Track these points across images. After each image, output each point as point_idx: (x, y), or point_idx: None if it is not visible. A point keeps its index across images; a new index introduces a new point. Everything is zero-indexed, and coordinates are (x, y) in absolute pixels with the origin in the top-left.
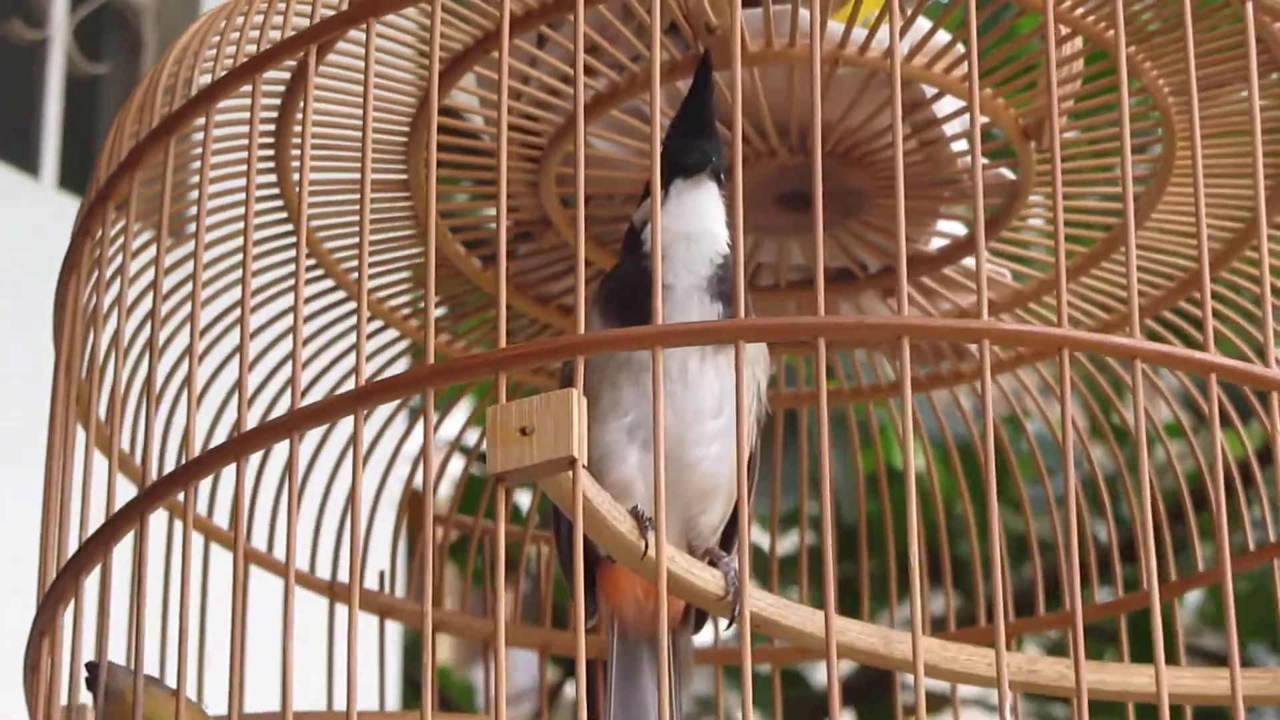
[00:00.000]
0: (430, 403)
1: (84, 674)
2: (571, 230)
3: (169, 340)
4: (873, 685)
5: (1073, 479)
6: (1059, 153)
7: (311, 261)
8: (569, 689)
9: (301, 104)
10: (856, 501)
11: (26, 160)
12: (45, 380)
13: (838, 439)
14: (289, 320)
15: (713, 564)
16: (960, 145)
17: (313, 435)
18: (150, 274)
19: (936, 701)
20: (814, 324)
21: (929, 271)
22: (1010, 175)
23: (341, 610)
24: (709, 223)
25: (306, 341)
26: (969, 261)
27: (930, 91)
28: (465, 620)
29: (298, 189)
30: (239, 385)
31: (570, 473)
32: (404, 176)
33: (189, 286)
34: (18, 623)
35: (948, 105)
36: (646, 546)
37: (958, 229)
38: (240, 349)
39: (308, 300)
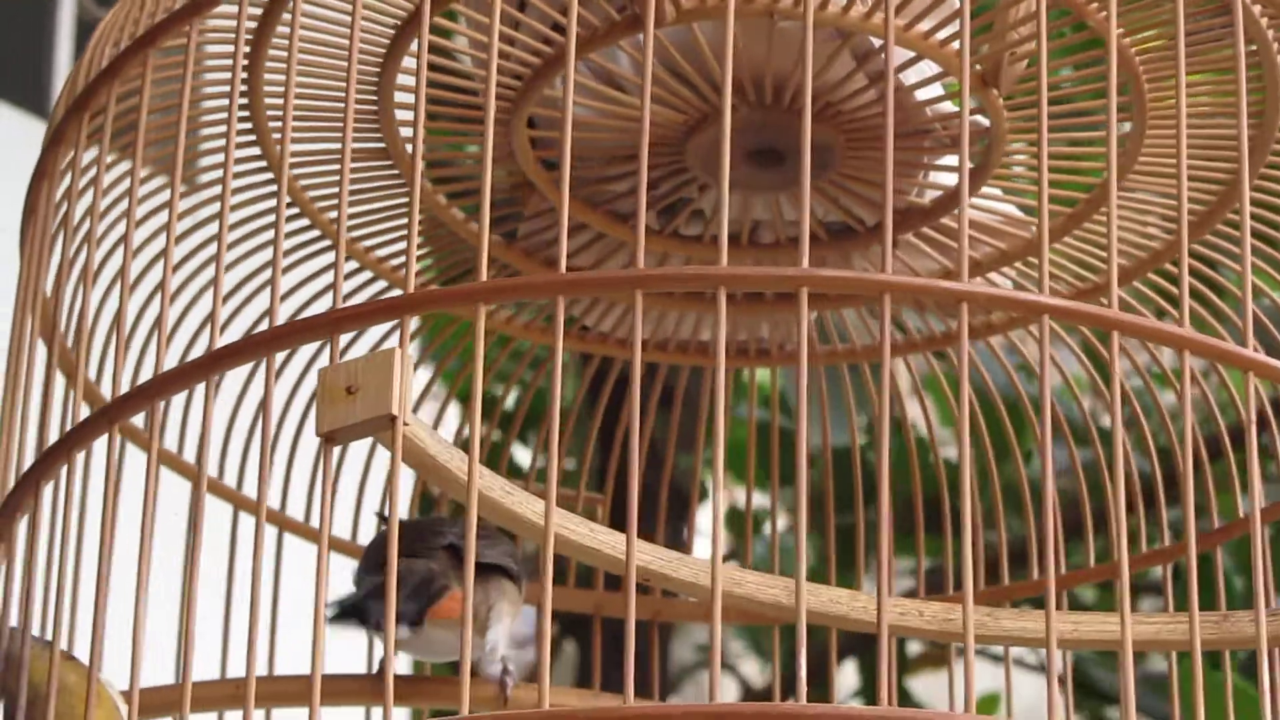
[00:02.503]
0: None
1: None
2: (554, 190)
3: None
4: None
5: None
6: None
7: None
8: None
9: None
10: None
11: (37, 103)
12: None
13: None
14: (262, 255)
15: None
16: (924, 93)
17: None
18: (123, 187)
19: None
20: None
21: (925, 223)
22: (984, 121)
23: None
24: None
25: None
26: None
27: (876, 42)
28: None
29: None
30: (213, 315)
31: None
32: (374, 107)
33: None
34: None
35: (900, 54)
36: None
37: (951, 179)
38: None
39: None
